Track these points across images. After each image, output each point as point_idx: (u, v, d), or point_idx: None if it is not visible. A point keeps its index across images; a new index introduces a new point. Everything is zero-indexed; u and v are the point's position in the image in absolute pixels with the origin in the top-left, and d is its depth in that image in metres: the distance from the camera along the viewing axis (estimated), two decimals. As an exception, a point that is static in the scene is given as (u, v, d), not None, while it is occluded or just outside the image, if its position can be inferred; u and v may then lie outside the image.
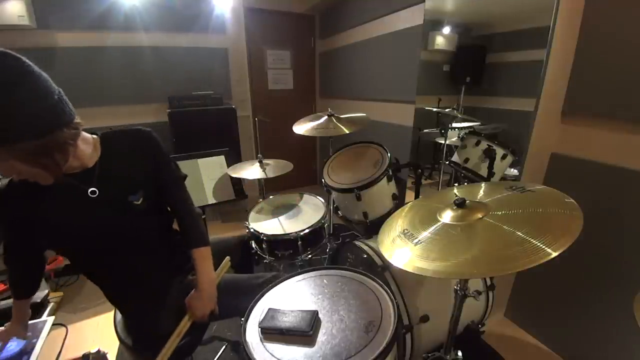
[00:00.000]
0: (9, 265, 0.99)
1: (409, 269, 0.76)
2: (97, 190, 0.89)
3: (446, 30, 2.13)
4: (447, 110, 2.03)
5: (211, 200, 1.80)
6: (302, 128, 1.87)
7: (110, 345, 1.47)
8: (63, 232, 0.88)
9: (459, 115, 2.00)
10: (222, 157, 1.92)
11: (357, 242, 1.42)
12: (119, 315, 1.10)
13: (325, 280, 0.98)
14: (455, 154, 1.87)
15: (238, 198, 1.85)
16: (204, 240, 1.05)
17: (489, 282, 1.32)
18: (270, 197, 1.95)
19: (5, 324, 1.03)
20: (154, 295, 1.02)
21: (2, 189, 0.86)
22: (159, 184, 1.00)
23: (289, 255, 1.56)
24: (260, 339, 0.79)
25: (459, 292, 0.97)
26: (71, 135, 0.79)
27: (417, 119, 2.26)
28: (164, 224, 1.08)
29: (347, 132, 1.77)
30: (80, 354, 1.07)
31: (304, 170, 3.90)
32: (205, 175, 1.84)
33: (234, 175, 1.80)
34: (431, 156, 2.38)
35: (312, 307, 0.86)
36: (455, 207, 0.86)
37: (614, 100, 1.20)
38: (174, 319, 0.99)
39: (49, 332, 1.10)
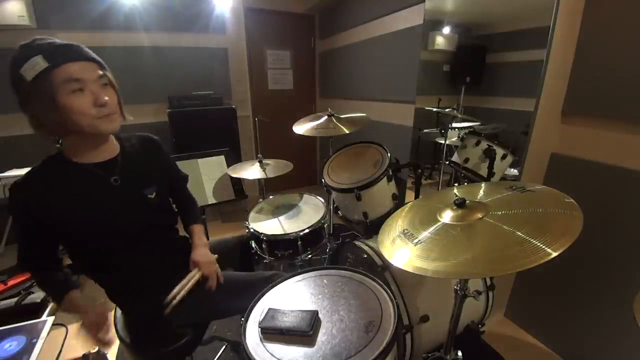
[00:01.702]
0: (30, 269, 0.98)
1: (409, 269, 0.75)
2: (119, 179, 0.94)
3: (446, 30, 2.13)
4: (447, 110, 2.03)
5: (211, 200, 1.80)
6: (302, 128, 1.87)
7: (110, 345, 1.46)
8: (81, 218, 0.89)
9: (459, 115, 2.00)
10: (222, 157, 1.92)
11: (357, 242, 1.42)
12: (119, 315, 1.10)
13: (325, 280, 0.98)
14: (455, 154, 1.87)
15: (238, 198, 1.86)
16: (199, 219, 1.23)
17: (489, 282, 1.32)
18: (270, 197, 1.95)
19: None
20: (155, 292, 1.02)
21: (20, 182, 0.86)
22: (169, 182, 1.11)
23: (289, 255, 1.56)
24: (260, 339, 0.79)
25: (459, 292, 0.97)
26: None
27: (417, 119, 2.26)
28: (170, 221, 1.13)
29: (347, 132, 1.77)
30: (80, 354, 1.07)
31: (304, 170, 3.90)
32: (205, 175, 1.84)
33: (234, 175, 1.80)
34: (431, 156, 2.38)
35: (312, 307, 0.86)
36: (455, 207, 0.86)
37: (614, 100, 1.20)
38: (174, 317, 0.99)
39: (49, 332, 1.10)
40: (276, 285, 0.98)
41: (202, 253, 1.09)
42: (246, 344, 0.78)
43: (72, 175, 0.88)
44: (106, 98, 0.83)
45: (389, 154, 1.54)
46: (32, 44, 0.77)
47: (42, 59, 0.75)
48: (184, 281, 1.01)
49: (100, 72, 0.84)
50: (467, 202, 0.85)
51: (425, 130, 2.29)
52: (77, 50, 0.81)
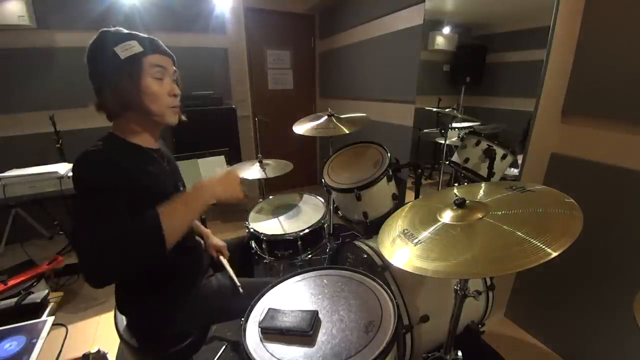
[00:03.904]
0: (108, 236, 0.72)
1: (409, 269, 0.75)
2: (167, 167, 1.01)
3: (446, 30, 2.13)
4: (447, 110, 2.03)
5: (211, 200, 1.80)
6: (302, 128, 1.87)
7: (110, 345, 1.47)
8: (157, 191, 0.88)
9: (459, 115, 2.00)
10: (222, 157, 1.92)
11: (357, 242, 1.42)
12: (121, 316, 1.10)
13: (325, 280, 0.98)
14: (455, 154, 1.87)
15: (238, 198, 1.86)
16: None
17: (489, 282, 1.32)
18: (270, 197, 1.95)
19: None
20: (177, 293, 1.02)
21: (93, 151, 0.80)
22: None
23: (289, 255, 1.56)
24: (260, 339, 0.79)
25: (459, 292, 0.97)
26: None
27: (417, 119, 2.27)
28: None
29: (347, 132, 1.77)
30: (80, 354, 1.08)
31: (304, 170, 3.90)
32: (206, 175, 1.84)
33: (234, 175, 1.80)
34: (431, 156, 2.38)
35: (312, 307, 0.86)
36: (455, 207, 0.86)
37: (614, 100, 1.20)
38: (186, 321, 1.01)
39: (49, 332, 1.10)
40: (276, 285, 0.98)
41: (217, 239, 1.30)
42: (246, 344, 0.78)
43: (137, 153, 0.91)
44: (178, 91, 0.94)
45: (389, 154, 1.54)
46: (120, 30, 0.87)
47: (137, 44, 0.85)
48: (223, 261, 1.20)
49: (174, 68, 0.94)
50: (467, 202, 0.85)
51: (425, 130, 2.29)
52: (160, 45, 0.92)
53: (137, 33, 0.88)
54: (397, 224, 0.96)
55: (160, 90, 0.89)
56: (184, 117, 0.99)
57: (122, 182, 0.79)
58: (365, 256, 1.33)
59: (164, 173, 0.98)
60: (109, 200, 0.76)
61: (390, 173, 1.49)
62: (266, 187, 2.05)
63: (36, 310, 1.59)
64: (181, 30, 2.84)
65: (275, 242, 1.55)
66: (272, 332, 0.80)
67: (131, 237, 0.74)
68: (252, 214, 1.76)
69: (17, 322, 1.13)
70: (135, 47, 0.84)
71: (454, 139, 2.04)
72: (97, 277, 0.73)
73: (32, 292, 1.70)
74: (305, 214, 1.72)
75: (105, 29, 0.87)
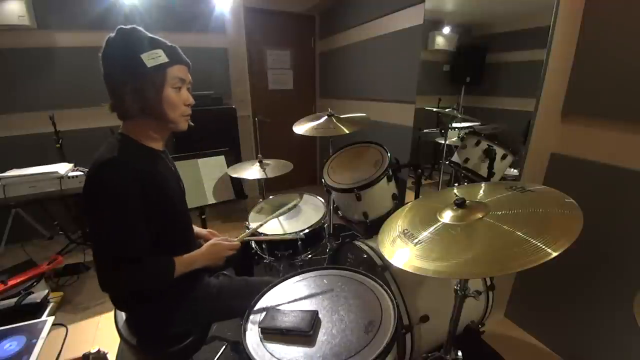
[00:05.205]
0: (135, 261, 0.85)
1: (409, 269, 0.75)
2: (172, 168, 1.06)
3: (446, 30, 2.13)
4: (447, 110, 2.03)
5: (211, 200, 1.80)
6: (302, 128, 1.87)
7: (110, 345, 1.47)
8: (171, 193, 0.97)
9: (459, 115, 2.00)
10: (222, 157, 1.92)
11: (357, 242, 1.42)
12: (121, 315, 1.10)
13: (325, 280, 0.98)
14: (455, 154, 1.87)
15: (238, 198, 1.85)
16: None
17: (489, 282, 1.32)
18: (270, 197, 1.95)
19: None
20: (178, 292, 1.02)
21: (117, 158, 0.83)
22: None
23: (289, 255, 1.56)
24: (260, 339, 0.79)
25: (459, 292, 0.97)
26: None
27: (417, 119, 2.27)
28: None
29: (347, 132, 1.77)
30: (80, 354, 1.08)
31: (304, 170, 3.90)
32: (205, 175, 1.84)
33: (234, 176, 1.80)
34: (431, 156, 2.38)
35: (312, 307, 0.86)
36: (455, 207, 0.86)
37: (614, 100, 1.20)
38: (187, 320, 1.01)
39: (49, 332, 1.10)
40: (276, 285, 0.98)
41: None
42: (246, 344, 0.78)
43: (150, 156, 0.95)
44: (192, 100, 0.97)
45: (389, 154, 1.54)
46: (141, 32, 0.87)
47: (163, 54, 0.87)
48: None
49: (190, 77, 0.97)
50: (467, 202, 0.85)
51: (425, 130, 2.29)
52: (181, 54, 0.93)
53: (159, 39, 0.89)
54: (397, 224, 0.96)
55: (178, 99, 0.92)
56: (191, 123, 1.02)
57: (140, 188, 0.84)
58: (365, 256, 1.33)
59: (171, 173, 1.03)
60: (130, 218, 0.83)
61: (390, 173, 1.49)
62: (266, 187, 2.05)
63: (36, 310, 1.59)
64: (181, 30, 2.84)
65: (276, 242, 1.55)
66: (272, 332, 0.80)
67: (148, 280, 0.89)
68: (252, 214, 1.76)
69: (17, 322, 1.13)
70: (162, 57, 0.86)
71: (454, 139, 2.04)
72: (112, 292, 0.94)
73: (32, 292, 1.70)
74: (305, 214, 1.72)
75: (123, 26, 0.86)
